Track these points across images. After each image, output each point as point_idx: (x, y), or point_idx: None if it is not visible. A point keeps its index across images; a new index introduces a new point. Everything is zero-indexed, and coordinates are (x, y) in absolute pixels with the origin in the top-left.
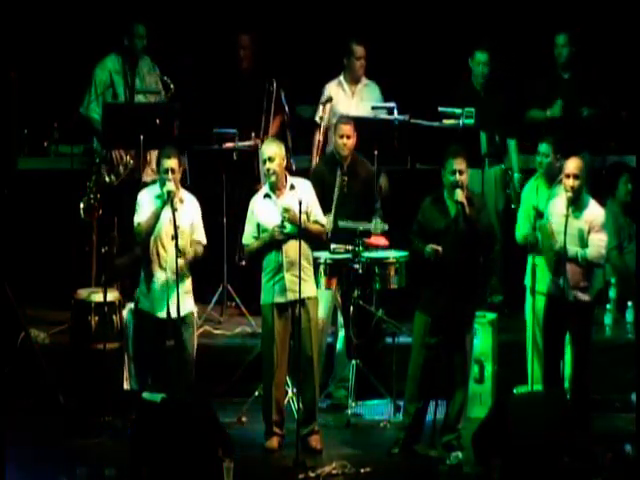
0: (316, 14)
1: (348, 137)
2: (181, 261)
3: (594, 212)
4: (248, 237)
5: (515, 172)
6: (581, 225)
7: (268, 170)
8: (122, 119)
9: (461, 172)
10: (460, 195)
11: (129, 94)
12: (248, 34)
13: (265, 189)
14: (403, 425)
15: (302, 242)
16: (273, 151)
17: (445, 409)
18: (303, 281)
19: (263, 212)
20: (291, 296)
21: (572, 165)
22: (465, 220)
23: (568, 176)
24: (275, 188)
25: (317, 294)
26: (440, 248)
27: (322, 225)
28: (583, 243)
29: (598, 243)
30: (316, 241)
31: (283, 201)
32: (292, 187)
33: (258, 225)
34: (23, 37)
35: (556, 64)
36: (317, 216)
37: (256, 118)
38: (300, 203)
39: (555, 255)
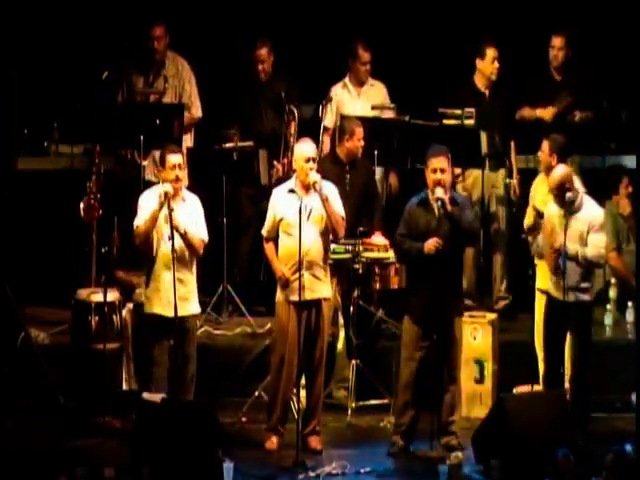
0: (316, 14)
1: (364, 139)
2: (183, 261)
3: (593, 213)
4: (265, 229)
5: (513, 177)
6: (580, 226)
7: (310, 169)
8: (122, 119)
9: (442, 170)
10: (440, 192)
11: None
12: (265, 44)
13: (290, 184)
14: (398, 430)
15: (320, 242)
16: (315, 152)
17: (439, 409)
18: (320, 282)
19: (285, 206)
20: (308, 295)
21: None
22: (447, 217)
23: None
24: (306, 188)
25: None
26: (440, 240)
27: (342, 217)
28: (583, 244)
29: (597, 244)
30: (335, 227)
31: (309, 200)
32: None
33: (280, 219)
34: (23, 37)
35: (549, 65)
36: (340, 212)
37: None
38: (300, 209)
39: (555, 253)
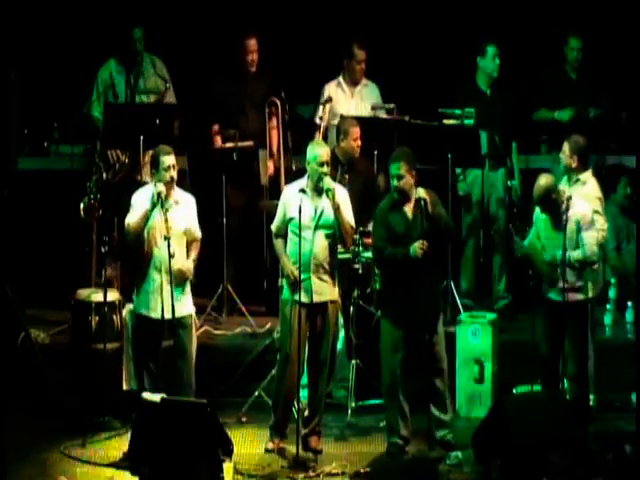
0: (316, 13)
1: (361, 139)
2: (175, 262)
3: (581, 210)
4: (275, 225)
5: (515, 178)
6: (571, 226)
7: (324, 174)
8: (122, 119)
9: (399, 177)
10: (422, 192)
11: (130, 94)
12: (254, 37)
13: (302, 183)
14: (392, 431)
15: (328, 246)
16: (328, 155)
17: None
18: (327, 285)
19: (295, 207)
20: (315, 298)
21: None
22: (427, 217)
23: None
24: (318, 191)
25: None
26: (426, 242)
27: (352, 227)
28: (575, 244)
29: (590, 241)
30: (344, 236)
31: (320, 203)
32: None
33: (290, 219)
34: (23, 37)
35: (565, 64)
36: (350, 220)
37: (261, 123)
38: (300, 208)
39: (549, 265)
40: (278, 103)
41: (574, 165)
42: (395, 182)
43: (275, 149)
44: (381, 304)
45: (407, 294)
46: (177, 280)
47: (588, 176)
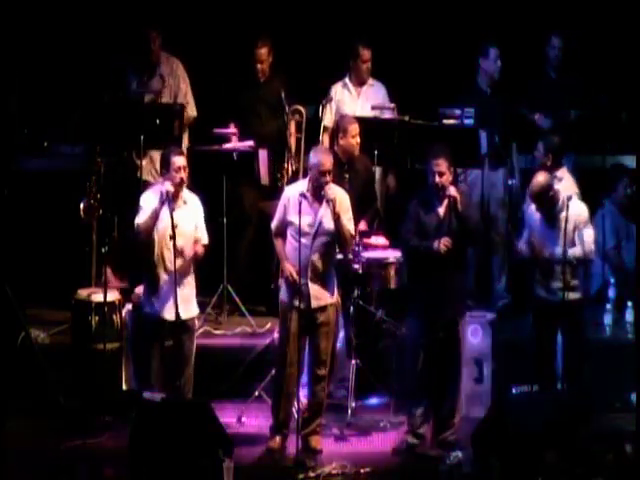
0: (317, 14)
1: (362, 138)
2: (184, 263)
3: (577, 210)
4: (274, 224)
5: (515, 177)
6: (569, 225)
7: (326, 183)
8: (122, 118)
9: (440, 174)
10: (453, 190)
11: (141, 94)
12: (265, 45)
13: (303, 186)
14: (412, 430)
15: (327, 252)
16: (331, 163)
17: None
18: (324, 289)
19: (296, 211)
20: (314, 303)
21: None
22: (456, 216)
23: None
24: (321, 198)
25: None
26: (450, 240)
27: (351, 235)
28: (571, 243)
29: (587, 239)
30: (343, 244)
31: (320, 210)
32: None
33: (290, 222)
34: (23, 38)
35: (546, 64)
36: (350, 228)
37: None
38: (300, 210)
39: (545, 262)
40: (302, 110)
41: (549, 163)
42: (437, 178)
43: (294, 152)
44: (407, 301)
45: (427, 291)
46: (190, 263)
47: (564, 172)
